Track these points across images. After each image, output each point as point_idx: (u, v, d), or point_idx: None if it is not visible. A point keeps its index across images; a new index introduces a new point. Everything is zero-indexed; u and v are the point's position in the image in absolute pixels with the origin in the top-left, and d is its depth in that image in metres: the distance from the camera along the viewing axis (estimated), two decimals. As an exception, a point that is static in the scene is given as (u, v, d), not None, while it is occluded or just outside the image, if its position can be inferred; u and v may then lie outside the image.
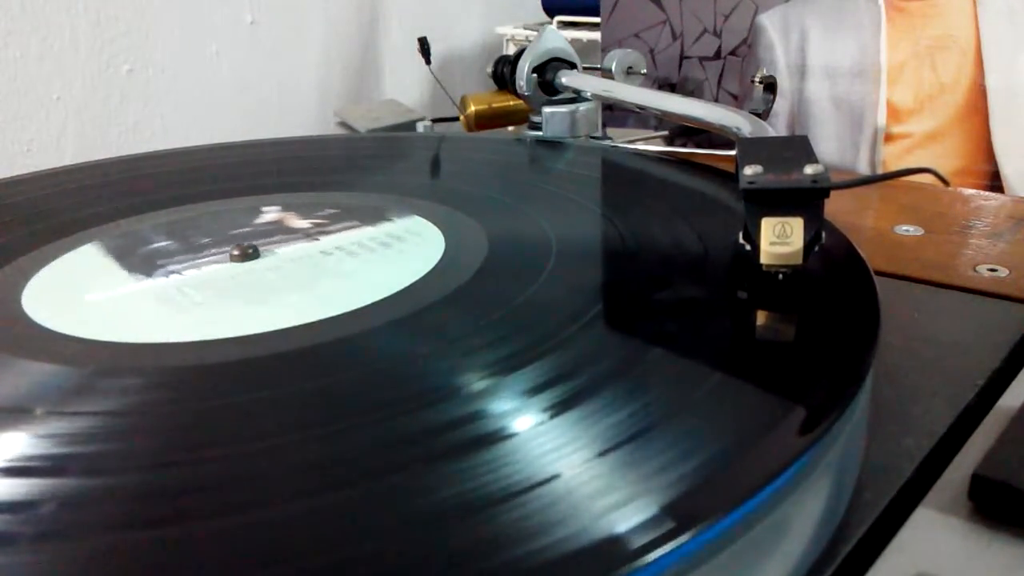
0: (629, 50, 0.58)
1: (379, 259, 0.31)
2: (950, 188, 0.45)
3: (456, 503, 0.17)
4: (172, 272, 0.31)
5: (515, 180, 0.42)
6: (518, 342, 0.23)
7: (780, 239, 0.25)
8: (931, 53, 0.55)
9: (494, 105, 0.54)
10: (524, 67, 0.50)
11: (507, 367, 0.22)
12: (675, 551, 0.15)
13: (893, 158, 0.58)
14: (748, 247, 0.26)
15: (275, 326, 0.26)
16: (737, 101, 0.63)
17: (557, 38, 0.51)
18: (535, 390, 0.21)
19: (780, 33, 0.60)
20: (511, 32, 1.26)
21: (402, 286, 0.28)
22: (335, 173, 0.44)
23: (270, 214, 0.37)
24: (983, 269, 0.35)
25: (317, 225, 0.35)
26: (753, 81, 0.52)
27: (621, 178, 0.43)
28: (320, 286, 0.29)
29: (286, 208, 0.38)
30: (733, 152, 0.31)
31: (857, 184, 0.30)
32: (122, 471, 0.19)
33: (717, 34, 0.62)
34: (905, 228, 0.40)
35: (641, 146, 0.52)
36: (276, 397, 0.22)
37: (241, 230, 0.35)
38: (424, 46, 0.69)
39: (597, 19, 0.69)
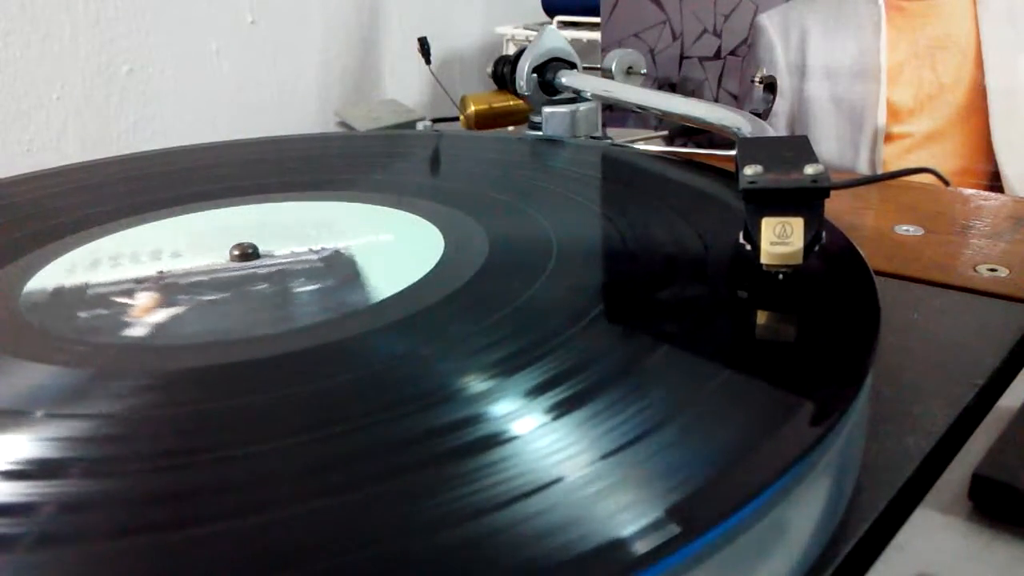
0: (629, 50, 0.58)
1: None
2: (950, 188, 0.45)
3: (459, 506, 0.17)
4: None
5: (515, 180, 0.42)
6: (519, 343, 0.23)
7: (780, 239, 0.25)
8: (931, 53, 0.55)
9: (494, 105, 0.54)
10: (524, 67, 0.50)
11: (509, 368, 0.22)
12: (677, 553, 0.15)
13: (893, 158, 0.58)
14: (748, 247, 0.26)
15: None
16: (737, 101, 0.63)
17: (557, 38, 0.51)
18: (537, 392, 0.21)
19: (780, 33, 0.60)
20: (511, 32, 1.26)
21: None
22: (335, 172, 0.44)
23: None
24: (983, 269, 0.35)
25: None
26: (753, 81, 0.52)
27: (621, 178, 0.43)
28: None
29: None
30: (733, 152, 0.31)
31: (857, 184, 0.30)
32: (122, 474, 0.19)
33: (717, 34, 0.62)
34: (905, 228, 0.40)
35: (641, 146, 0.52)
36: (277, 399, 0.22)
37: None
38: (424, 46, 0.70)
39: (597, 19, 0.69)
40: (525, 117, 0.53)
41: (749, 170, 0.27)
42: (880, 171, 0.58)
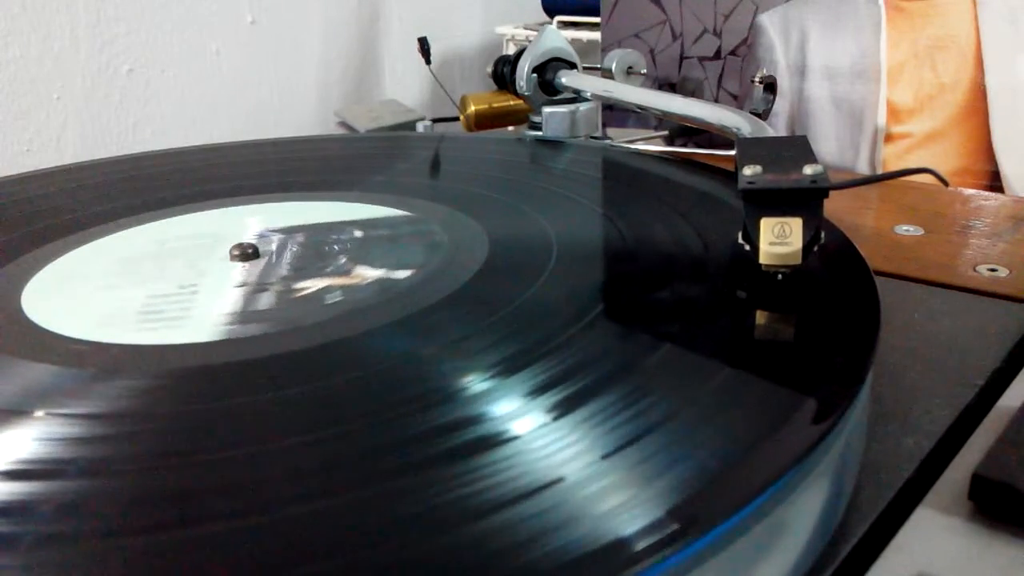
0: (629, 50, 0.58)
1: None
2: (950, 188, 0.45)
3: (459, 507, 0.17)
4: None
5: (515, 180, 0.42)
6: (519, 343, 0.23)
7: (779, 239, 0.25)
8: (931, 53, 0.55)
9: (494, 105, 0.54)
10: (524, 67, 0.50)
11: (509, 368, 0.22)
12: (678, 553, 0.15)
13: (893, 158, 0.58)
14: (747, 247, 0.26)
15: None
16: (737, 101, 0.63)
17: (557, 38, 0.51)
18: (537, 392, 0.21)
19: (780, 33, 0.60)
20: (511, 32, 1.26)
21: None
22: (335, 173, 0.44)
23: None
24: (983, 269, 0.35)
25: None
26: (753, 81, 0.52)
27: (621, 178, 0.43)
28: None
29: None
30: (733, 152, 0.31)
31: (856, 184, 0.30)
32: (122, 474, 0.19)
33: (717, 34, 0.62)
34: (905, 228, 0.40)
35: (641, 146, 0.52)
36: (277, 399, 0.22)
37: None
38: (424, 46, 0.69)
39: (597, 19, 0.69)
40: (525, 117, 0.53)
41: (748, 170, 0.27)
42: (880, 171, 0.58)
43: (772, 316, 0.26)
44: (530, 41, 0.52)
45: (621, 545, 0.15)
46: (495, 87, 0.54)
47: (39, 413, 0.21)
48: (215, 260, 0.32)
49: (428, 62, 0.70)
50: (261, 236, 0.34)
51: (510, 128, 0.57)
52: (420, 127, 0.63)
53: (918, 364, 0.27)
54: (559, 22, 1.19)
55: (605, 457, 0.18)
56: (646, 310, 0.26)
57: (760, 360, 0.23)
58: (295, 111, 1.11)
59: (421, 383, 0.22)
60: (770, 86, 0.52)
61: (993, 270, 0.35)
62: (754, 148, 0.29)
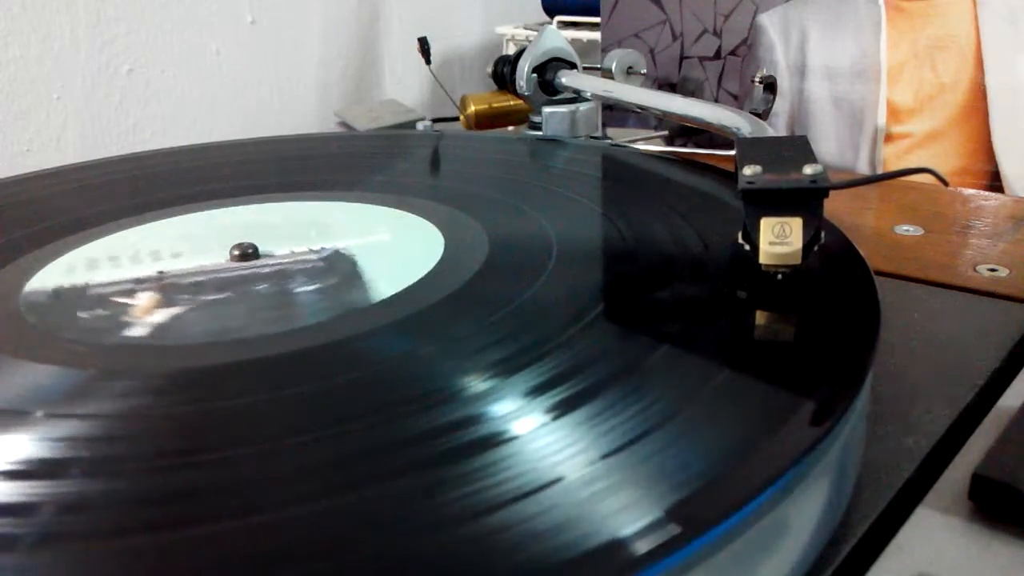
0: (629, 50, 0.58)
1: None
2: (950, 188, 0.45)
3: (459, 506, 0.17)
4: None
5: (515, 180, 0.41)
6: (519, 343, 0.23)
7: (779, 239, 0.25)
8: (931, 53, 0.55)
9: (494, 105, 0.54)
10: (524, 67, 0.50)
11: (509, 368, 0.22)
12: (677, 553, 0.15)
13: (893, 158, 0.57)
14: (747, 247, 0.26)
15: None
16: (737, 101, 0.63)
17: (557, 38, 0.51)
18: (537, 392, 0.21)
19: (780, 33, 0.60)
20: (511, 32, 1.26)
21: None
22: (335, 172, 0.44)
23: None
24: (983, 269, 0.35)
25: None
26: (753, 81, 0.52)
27: (621, 178, 0.43)
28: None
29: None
30: (733, 152, 0.31)
31: (856, 184, 0.30)
32: (122, 474, 0.19)
33: (717, 34, 0.62)
34: (905, 228, 0.40)
35: (641, 146, 0.52)
36: (278, 399, 0.22)
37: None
38: (424, 46, 0.70)
39: (597, 19, 0.69)
40: (525, 117, 0.53)
41: (748, 170, 0.27)
42: (880, 171, 0.58)
43: (772, 316, 0.26)
44: (530, 41, 0.52)
45: (621, 545, 0.15)
46: (495, 87, 0.54)
47: (39, 413, 0.21)
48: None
49: (428, 62, 0.70)
50: (260, 235, 0.33)
51: (510, 128, 0.57)
52: (420, 127, 0.63)
53: (918, 364, 0.28)
54: (559, 22, 1.18)
55: (605, 457, 0.18)
56: (646, 310, 0.26)
57: (760, 360, 0.23)
58: (295, 111, 1.11)
59: (421, 383, 0.22)
60: (770, 86, 0.52)
61: (993, 270, 0.35)
62: (754, 148, 0.29)
